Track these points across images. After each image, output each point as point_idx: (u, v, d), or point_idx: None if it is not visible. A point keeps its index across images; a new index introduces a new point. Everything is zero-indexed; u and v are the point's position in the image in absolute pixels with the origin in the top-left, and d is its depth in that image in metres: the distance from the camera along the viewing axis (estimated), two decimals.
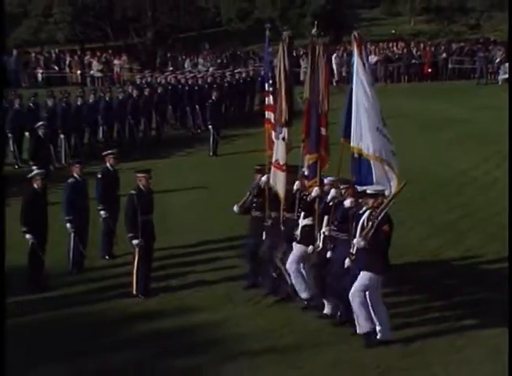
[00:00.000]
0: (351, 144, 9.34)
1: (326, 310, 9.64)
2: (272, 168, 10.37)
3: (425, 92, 29.07)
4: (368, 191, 8.83)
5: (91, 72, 32.30)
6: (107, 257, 12.06)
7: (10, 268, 10.49)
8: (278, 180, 10.24)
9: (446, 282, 10.87)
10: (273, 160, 10.35)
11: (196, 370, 8.45)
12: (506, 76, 29.58)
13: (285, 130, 10.21)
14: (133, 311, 10.06)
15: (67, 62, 33.40)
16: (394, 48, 34.26)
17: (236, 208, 10.84)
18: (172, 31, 38.82)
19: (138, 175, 10.69)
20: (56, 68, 33.19)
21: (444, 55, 33.38)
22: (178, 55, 34.84)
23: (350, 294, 8.74)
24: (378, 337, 8.77)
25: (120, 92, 21.20)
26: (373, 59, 32.85)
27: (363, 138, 9.24)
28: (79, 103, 19.63)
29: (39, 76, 32.42)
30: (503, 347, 8.17)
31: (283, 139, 10.22)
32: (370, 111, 9.24)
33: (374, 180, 9.25)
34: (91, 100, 20.06)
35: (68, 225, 11.35)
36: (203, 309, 10.03)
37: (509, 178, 13.27)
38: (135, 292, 10.49)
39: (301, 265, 9.80)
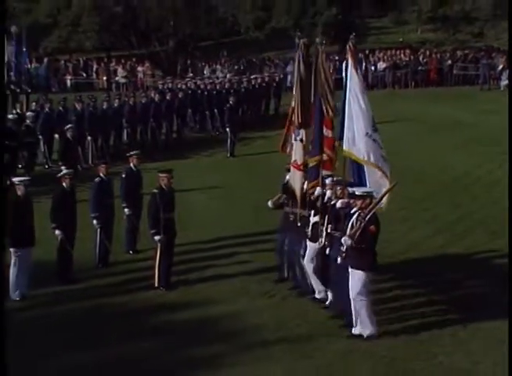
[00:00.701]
0: (344, 148, 9.35)
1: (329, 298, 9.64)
2: (292, 168, 10.38)
3: (431, 97, 28.91)
4: (356, 192, 8.75)
5: (117, 78, 32.37)
6: (131, 252, 12.07)
7: (40, 262, 10.58)
8: (295, 179, 10.24)
9: (450, 276, 10.80)
10: (292, 160, 10.37)
11: (213, 359, 8.44)
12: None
13: (302, 132, 10.20)
14: (155, 302, 10.08)
15: (94, 69, 33.59)
16: (402, 56, 34.09)
17: (270, 203, 10.81)
18: (192, 40, 38.84)
19: (161, 174, 10.69)
20: (84, 75, 33.39)
21: (449, 62, 33.21)
22: (197, 62, 34.89)
23: (351, 298, 8.69)
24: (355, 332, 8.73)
25: (144, 97, 21.22)
26: (381, 65, 32.82)
27: (355, 142, 9.26)
28: (105, 107, 19.66)
29: (68, 82, 32.64)
30: (505, 339, 8.09)
31: (301, 140, 10.22)
32: (361, 117, 9.27)
33: (368, 183, 9.25)
34: (116, 105, 20.11)
35: (94, 221, 11.36)
36: (220, 302, 10.02)
37: (509, 180, 13.15)
38: (156, 285, 10.51)
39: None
